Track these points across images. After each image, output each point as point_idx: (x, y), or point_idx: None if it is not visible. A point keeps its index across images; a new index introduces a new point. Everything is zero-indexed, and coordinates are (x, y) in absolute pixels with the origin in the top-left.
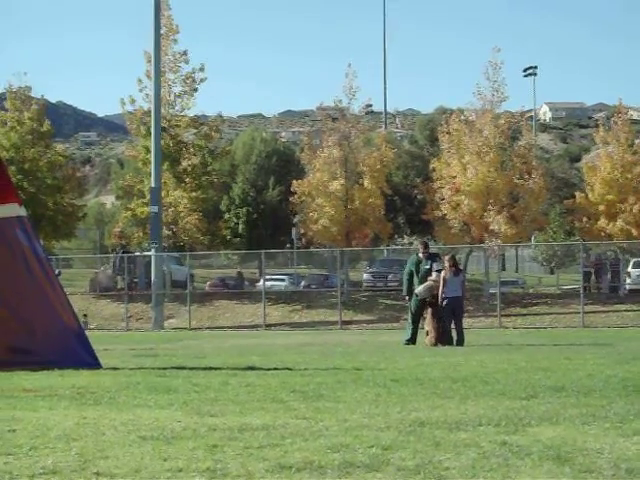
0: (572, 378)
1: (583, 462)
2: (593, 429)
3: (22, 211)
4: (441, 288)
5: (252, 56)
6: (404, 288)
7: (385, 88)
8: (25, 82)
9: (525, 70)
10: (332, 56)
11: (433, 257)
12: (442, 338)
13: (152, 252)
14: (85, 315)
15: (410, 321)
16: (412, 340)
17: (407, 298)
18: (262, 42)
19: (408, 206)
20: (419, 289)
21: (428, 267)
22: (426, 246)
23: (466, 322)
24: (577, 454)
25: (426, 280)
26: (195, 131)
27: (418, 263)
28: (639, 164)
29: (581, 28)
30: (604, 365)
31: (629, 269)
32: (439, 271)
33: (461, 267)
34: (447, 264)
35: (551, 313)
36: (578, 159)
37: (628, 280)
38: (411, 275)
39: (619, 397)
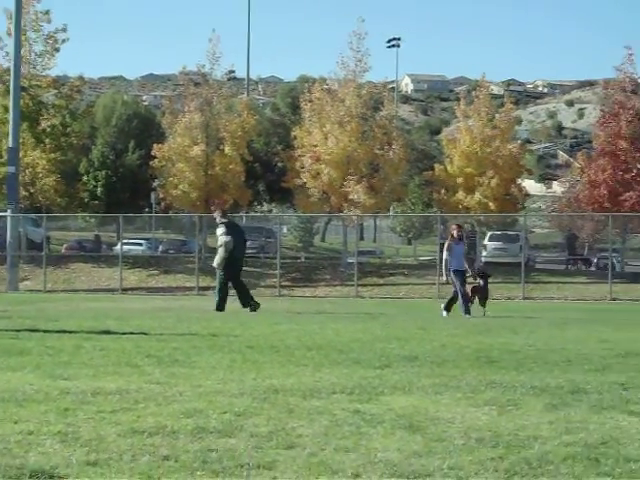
0: (426, 348)
1: (434, 431)
2: (445, 399)
3: None
4: (445, 257)
5: (114, 17)
6: None
7: (248, 55)
8: None
9: (389, 41)
10: (196, 20)
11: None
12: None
13: (8, 213)
14: None
15: (217, 290)
16: (220, 307)
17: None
18: (124, 3)
19: (268, 173)
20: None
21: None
22: (223, 214)
23: (323, 291)
24: (429, 423)
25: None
26: (55, 92)
27: None
28: (498, 138)
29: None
30: (458, 336)
31: (485, 242)
32: (224, 234)
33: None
34: (454, 232)
35: (408, 284)
36: (438, 131)
37: (484, 252)
38: None
39: (471, 368)
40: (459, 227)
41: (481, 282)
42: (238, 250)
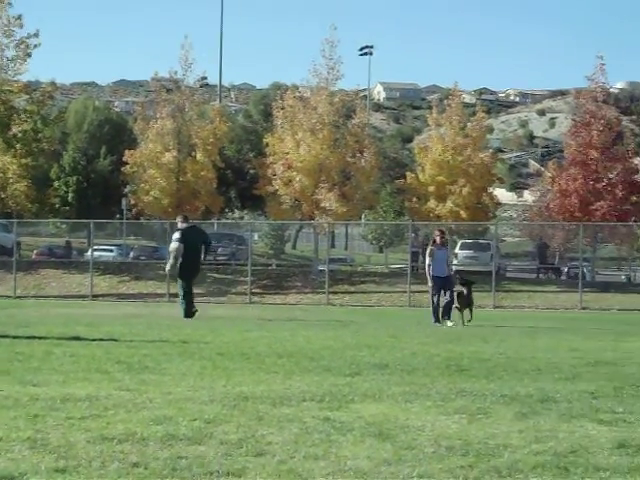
0: (396, 356)
1: (404, 439)
2: (415, 407)
3: None
4: (427, 262)
5: (86, 23)
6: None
7: (221, 61)
8: None
9: (361, 49)
10: (168, 27)
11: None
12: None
13: None
14: None
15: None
16: (188, 314)
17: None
18: (96, 9)
19: (240, 180)
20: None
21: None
22: (184, 219)
23: (294, 298)
24: (399, 431)
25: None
26: (27, 97)
27: None
28: (470, 147)
29: (415, 8)
30: (428, 344)
31: (456, 250)
32: (176, 240)
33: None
34: (437, 238)
35: (379, 291)
36: (410, 140)
37: (455, 261)
38: None
39: (441, 376)
40: (442, 232)
41: (464, 290)
42: (191, 256)
